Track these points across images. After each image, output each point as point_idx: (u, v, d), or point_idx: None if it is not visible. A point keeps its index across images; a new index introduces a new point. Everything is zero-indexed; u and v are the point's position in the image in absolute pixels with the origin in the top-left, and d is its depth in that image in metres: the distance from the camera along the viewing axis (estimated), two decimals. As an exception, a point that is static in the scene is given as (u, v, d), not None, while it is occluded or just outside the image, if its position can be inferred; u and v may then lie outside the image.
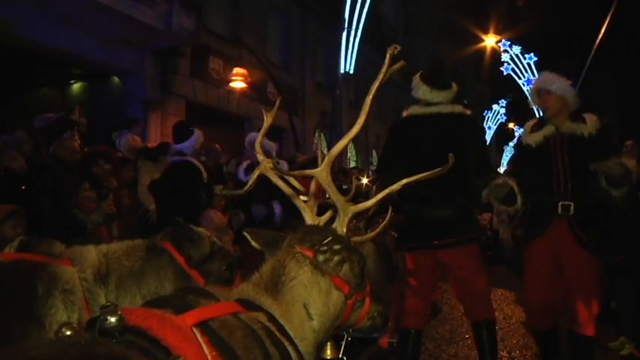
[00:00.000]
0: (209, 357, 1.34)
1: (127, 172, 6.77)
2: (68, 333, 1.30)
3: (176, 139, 6.22)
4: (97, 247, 2.44)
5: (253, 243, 2.15)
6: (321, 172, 2.20)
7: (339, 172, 11.13)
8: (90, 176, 5.35)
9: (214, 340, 1.40)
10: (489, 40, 29.79)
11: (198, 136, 6.15)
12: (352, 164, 21.58)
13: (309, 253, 1.95)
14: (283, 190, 2.42)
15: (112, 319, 1.26)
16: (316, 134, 20.87)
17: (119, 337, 1.24)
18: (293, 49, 19.60)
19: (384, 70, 2.11)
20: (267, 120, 2.68)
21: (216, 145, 9.54)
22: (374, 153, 25.44)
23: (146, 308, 1.43)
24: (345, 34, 16.94)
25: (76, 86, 13.86)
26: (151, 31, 11.55)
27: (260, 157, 2.55)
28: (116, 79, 13.03)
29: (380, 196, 2.26)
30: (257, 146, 2.64)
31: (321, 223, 2.25)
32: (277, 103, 2.87)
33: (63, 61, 11.65)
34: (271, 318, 1.70)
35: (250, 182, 2.63)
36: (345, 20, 16.87)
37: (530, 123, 4.72)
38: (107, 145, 7.45)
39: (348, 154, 22.03)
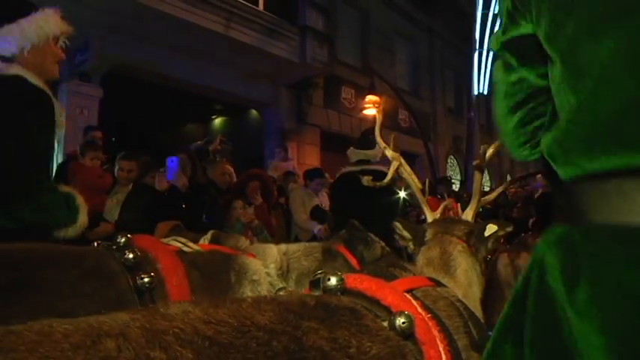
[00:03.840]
0: (425, 318, 1.35)
1: (274, 191, 7.05)
2: (282, 293, 1.37)
3: (359, 148, 5.87)
4: (277, 246, 2.55)
5: (403, 232, 2.29)
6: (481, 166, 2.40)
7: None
8: (244, 195, 5.63)
9: (424, 305, 1.42)
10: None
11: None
12: (486, 189, 20.98)
13: (463, 242, 2.03)
14: (411, 185, 2.62)
15: (333, 280, 1.30)
16: (449, 160, 20.59)
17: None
18: (422, 75, 19.56)
19: None
20: (378, 116, 2.88)
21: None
22: (508, 178, 24.58)
23: (360, 274, 1.47)
24: (476, 55, 16.67)
25: (218, 121, 14.73)
26: (286, 65, 12.07)
27: (389, 152, 2.67)
28: (254, 112, 13.69)
29: (501, 188, 2.80)
30: (380, 141, 2.73)
31: (437, 216, 2.45)
32: (381, 100, 2.94)
33: (206, 97, 12.41)
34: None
35: (389, 175, 2.80)
36: (475, 41, 16.63)
37: None
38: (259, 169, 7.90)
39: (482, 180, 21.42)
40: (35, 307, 1.63)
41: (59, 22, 2.68)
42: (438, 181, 11.61)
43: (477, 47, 16.77)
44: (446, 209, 2.83)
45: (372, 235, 2.83)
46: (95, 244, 2.14)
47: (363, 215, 5.27)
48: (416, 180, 2.59)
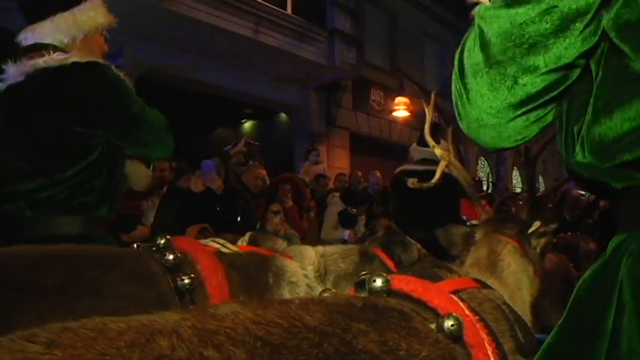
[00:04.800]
0: (473, 320, 1.32)
1: (306, 194, 7.06)
2: (326, 295, 1.36)
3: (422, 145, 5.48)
4: (313, 248, 2.53)
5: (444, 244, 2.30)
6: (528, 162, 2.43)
7: (507, 197, 10.87)
8: (275, 199, 5.64)
9: (471, 307, 1.39)
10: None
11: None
12: (518, 191, 20.73)
13: (514, 242, 1.97)
14: (462, 182, 2.56)
15: (379, 281, 1.28)
16: (479, 161, 20.37)
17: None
18: (451, 76, 19.37)
19: None
20: (429, 113, 2.76)
21: (377, 173, 9.77)
22: (540, 179, 24.25)
23: (405, 275, 1.45)
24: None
25: (247, 125, 14.82)
26: (315, 68, 12.09)
27: (438, 151, 2.63)
28: (284, 115, 13.74)
29: (557, 184, 2.44)
30: (429, 140, 2.69)
31: (491, 213, 2.39)
32: (433, 96, 2.88)
33: (236, 102, 12.50)
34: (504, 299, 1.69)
35: (437, 175, 2.75)
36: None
37: None
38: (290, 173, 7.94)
39: (514, 181, 21.20)
40: (78, 308, 1.64)
41: (106, 13, 2.71)
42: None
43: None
44: (502, 205, 2.74)
45: (409, 238, 2.80)
46: (135, 245, 2.15)
47: (424, 215, 5.14)
48: (468, 178, 2.52)
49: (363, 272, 2.63)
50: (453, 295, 1.38)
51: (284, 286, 2.18)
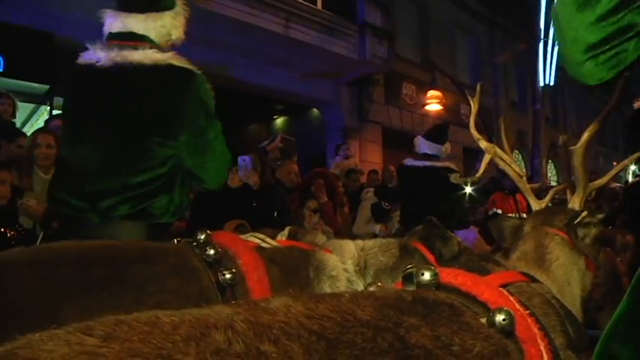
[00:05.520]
0: (524, 315, 1.29)
1: (339, 188, 7.04)
2: (373, 289, 1.34)
3: (431, 139, 5.74)
4: (353, 242, 2.50)
5: (494, 234, 2.29)
6: (579, 149, 2.21)
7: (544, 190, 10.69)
8: (310, 195, 5.63)
9: (520, 301, 1.36)
10: None
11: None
12: (553, 183, 20.36)
13: (562, 234, 1.91)
14: (510, 174, 2.50)
15: (427, 274, 1.26)
16: (513, 154, 20.08)
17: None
18: (483, 69, 19.15)
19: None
20: (474, 105, 2.77)
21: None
22: (575, 172, 23.79)
23: (453, 268, 1.42)
24: (541, 44, 16.08)
25: (279, 121, 14.86)
26: (346, 63, 12.05)
27: (483, 143, 2.57)
28: (315, 110, 13.74)
29: (614, 171, 2.37)
30: (474, 133, 2.65)
31: (543, 205, 2.29)
32: (478, 88, 2.83)
33: (268, 98, 12.53)
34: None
35: (482, 169, 2.74)
36: (540, 30, 16.02)
37: None
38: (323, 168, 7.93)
39: (549, 174, 20.82)
40: (123, 302, 1.65)
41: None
42: (503, 176, 11.33)
43: (542, 37, 16.07)
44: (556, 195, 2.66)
45: (450, 232, 2.75)
46: (175, 240, 2.16)
47: (433, 210, 5.13)
48: (517, 169, 2.45)
49: (409, 265, 2.62)
50: (502, 289, 1.35)
51: (324, 280, 2.17)
